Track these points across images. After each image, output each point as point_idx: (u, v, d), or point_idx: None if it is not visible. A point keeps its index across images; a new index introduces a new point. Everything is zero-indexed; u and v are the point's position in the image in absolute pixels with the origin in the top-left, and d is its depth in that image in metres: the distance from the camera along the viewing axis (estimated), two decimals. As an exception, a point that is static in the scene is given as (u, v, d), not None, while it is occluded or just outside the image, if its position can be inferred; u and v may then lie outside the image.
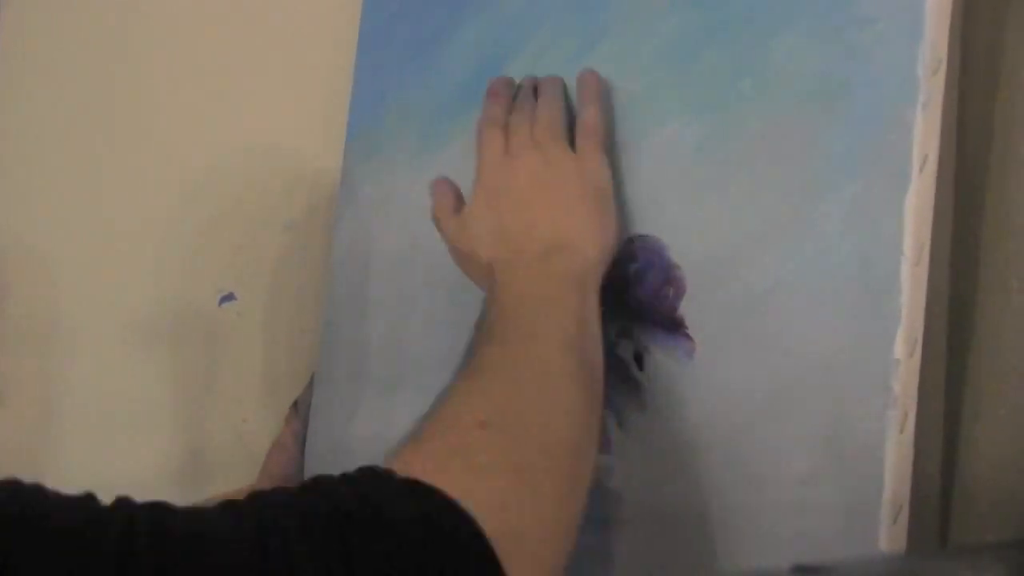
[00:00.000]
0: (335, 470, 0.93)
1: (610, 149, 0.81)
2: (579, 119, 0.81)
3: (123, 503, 0.54)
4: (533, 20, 0.89)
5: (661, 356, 0.76)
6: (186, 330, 1.13)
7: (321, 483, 0.59)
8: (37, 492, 0.53)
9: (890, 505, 0.64)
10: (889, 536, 0.63)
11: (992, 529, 0.77)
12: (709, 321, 0.73)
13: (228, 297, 1.12)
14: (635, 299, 0.78)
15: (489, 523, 0.56)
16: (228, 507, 0.56)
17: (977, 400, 0.79)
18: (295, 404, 1.05)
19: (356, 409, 0.97)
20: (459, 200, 0.84)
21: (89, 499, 0.53)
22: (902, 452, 0.64)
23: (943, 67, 0.67)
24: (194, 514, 0.55)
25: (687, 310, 0.75)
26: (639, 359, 0.77)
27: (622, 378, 0.78)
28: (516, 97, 0.85)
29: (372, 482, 0.58)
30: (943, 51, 0.67)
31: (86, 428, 1.12)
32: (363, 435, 0.96)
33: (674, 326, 0.75)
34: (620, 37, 0.82)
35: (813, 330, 0.68)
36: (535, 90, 0.85)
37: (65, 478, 1.04)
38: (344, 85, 1.05)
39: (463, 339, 0.81)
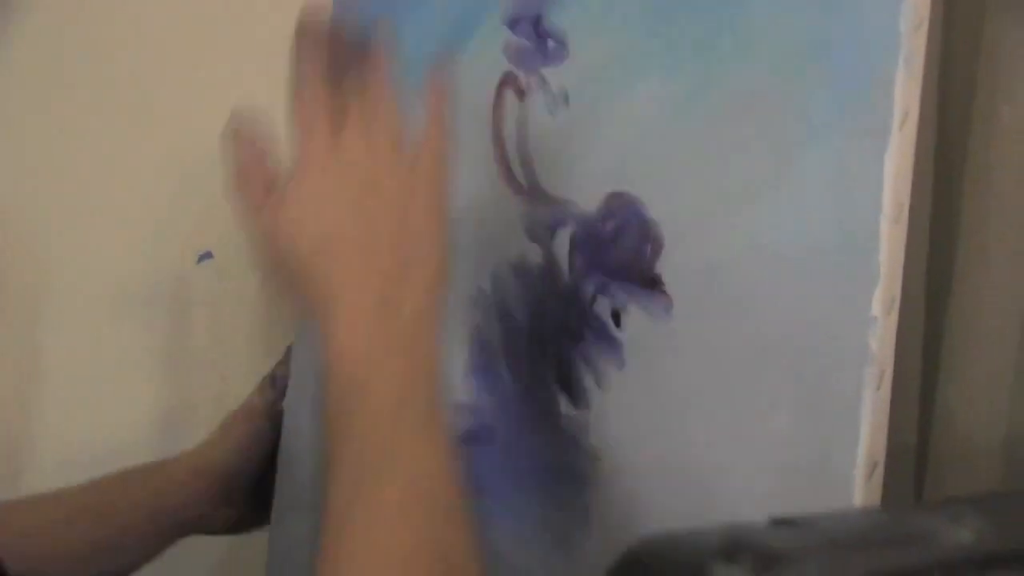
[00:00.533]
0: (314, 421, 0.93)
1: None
2: (424, 143, 0.71)
3: None
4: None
5: (639, 314, 0.76)
6: (164, 289, 1.12)
7: None
8: None
9: (865, 461, 0.64)
10: (864, 493, 0.63)
11: (965, 489, 0.77)
12: (687, 278, 0.73)
13: (206, 255, 1.12)
14: (613, 256, 0.77)
15: None
16: None
17: (953, 361, 0.80)
18: (272, 376, 1.02)
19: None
20: (270, 171, 0.70)
21: None
22: (878, 409, 0.64)
23: (925, 24, 0.66)
24: None
25: (664, 267, 0.74)
26: (616, 317, 0.77)
27: (600, 336, 0.77)
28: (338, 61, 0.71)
29: None
30: (926, 9, 0.66)
31: (66, 388, 1.11)
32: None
33: (652, 283, 0.75)
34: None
35: (791, 288, 0.68)
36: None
37: (46, 438, 1.05)
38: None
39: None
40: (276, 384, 1.01)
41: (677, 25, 0.75)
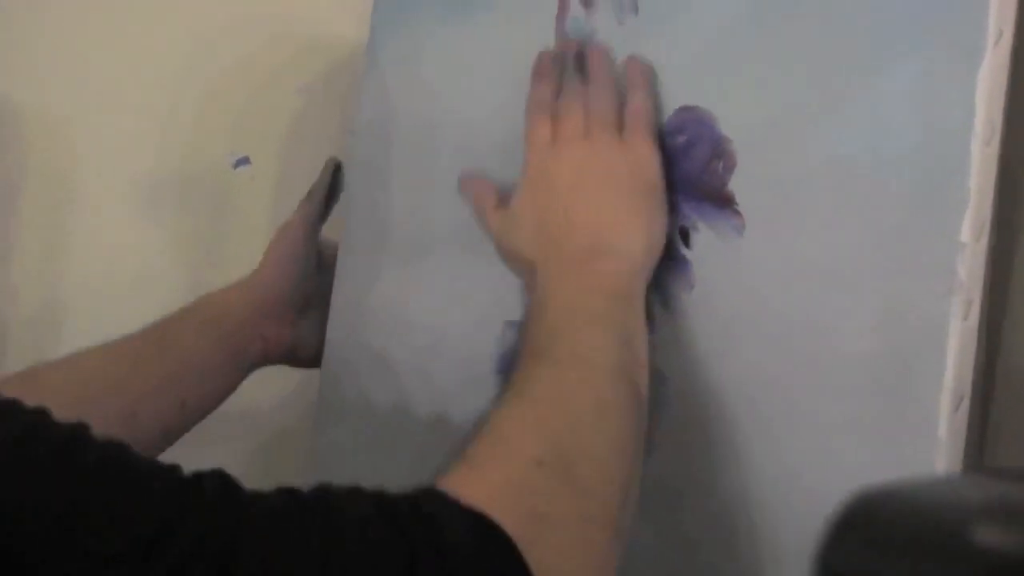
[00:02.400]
0: (356, 337, 0.92)
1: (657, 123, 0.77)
2: (628, 106, 0.77)
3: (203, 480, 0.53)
4: None
5: (709, 233, 0.73)
6: (199, 192, 1.11)
7: (390, 507, 0.56)
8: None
9: (951, 393, 0.62)
10: (949, 425, 0.62)
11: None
12: (761, 197, 0.71)
13: (243, 160, 1.10)
14: (682, 173, 0.75)
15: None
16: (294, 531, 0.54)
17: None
18: (309, 193, 1.03)
19: (377, 277, 0.95)
20: (496, 193, 0.81)
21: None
22: (965, 340, 0.62)
23: (1022, -60, 0.63)
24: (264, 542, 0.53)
25: (737, 185, 0.72)
26: (685, 235, 0.75)
27: (667, 255, 0.75)
28: (564, 73, 0.81)
29: (440, 518, 0.56)
30: (1022, -82, 0.63)
31: (96, 288, 1.11)
32: (383, 304, 0.95)
33: (723, 201, 0.72)
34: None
35: (873, 208, 0.65)
36: (582, 66, 0.80)
37: (73, 335, 1.04)
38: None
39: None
40: (312, 198, 1.02)
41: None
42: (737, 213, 0.72)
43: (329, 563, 0.52)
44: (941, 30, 0.63)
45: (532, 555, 0.55)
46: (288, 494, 0.55)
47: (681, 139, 0.75)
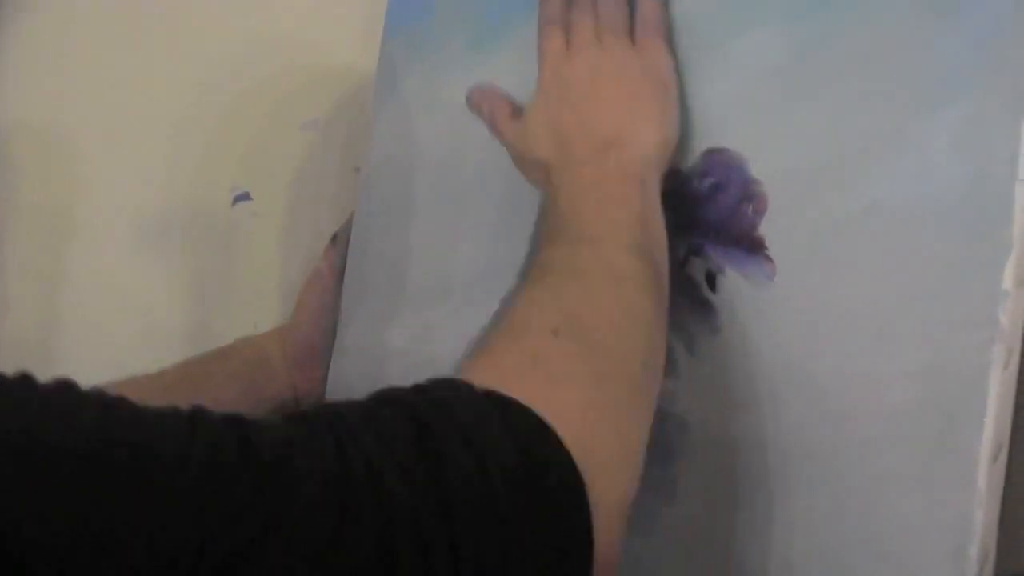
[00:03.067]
0: (364, 383, 0.90)
1: (671, 42, 0.77)
2: (639, 11, 0.78)
3: (201, 416, 0.50)
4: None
5: (737, 278, 0.72)
6: (198, 228, 1.08)
7: (395, 395, 0.55)
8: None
9: (990, 444, 0.60)
10: (988, 475, 0.60)
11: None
12: (793, 242, 0.69)
13: (243, 196, 1.08)
14: (709, 216, 0.73)
15: (568, 434, 0.53)
16: (302, 421, 0.52)
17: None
18: (334, 237, 1.02)
19: (391, 321, 0.93)
20: (511, 103, 0.81)
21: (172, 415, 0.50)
22: (1005, 389, 0.61)
23: (1066, -16, 0.62)
24: (272, 429, 0.51)
25: (768, 229, 0.70)
26: (711, 280, 0.73)
27: (692, 299, 0.74)
28: None
29: (448, 393, 0.55)
30: (1068, -32, 0.62)
31: (94, 324, 1.08)
32: (397, 347, 0.92)
33: (753, 246, 0.71)
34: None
35: (912, 255, 0.64)
36: None
37: (69, 367, 1.01)
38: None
39: (516, 250, 0.78)
40: (338, 245, 1.01)
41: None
42: (768, 259, 0.70)
43: (344, 451, 0.49)
44: (985, 76, 0.62)
45: (549, 413, 0.54)
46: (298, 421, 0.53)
47: (708, 182, 0.74)
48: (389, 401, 0.54)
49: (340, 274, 0.99)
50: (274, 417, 0.53)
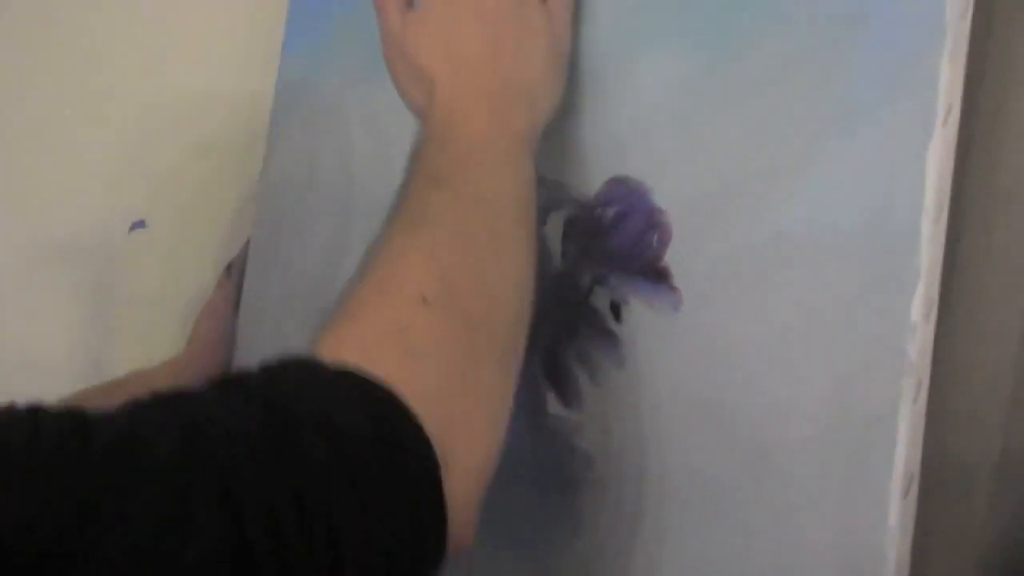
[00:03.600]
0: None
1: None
2: None
3: (40, 408, 0.49)
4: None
5: (642, 308, 0.70)
6: (92, 257, 1.05)
7: (244, 381, 0.53)
8: None
9: (901, 478, 0.60)
10: (900, 511, 0.59)
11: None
12: (699, 271, 0.68)
13: (138, 224, 1.05)
14: (613, 245, 0.72)
15: (426, 414, 0.53)
16: (149, 408, 0.50)
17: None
18: (228, 267, 1.00)
19: (292, 345, 0.90)
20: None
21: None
22: (915, 423, 0.60)
23: (969, 12, 0.62)
24: (116, 418, 0.49)
25: (673, 259, 0.69)
26: (616, 310, 0.72)
27: (596, 330, 0.72)
28: None
29: (301, 376, 0.53)
30: (970, -4, 0.62)
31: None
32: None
33: (658, 276, 0.70)
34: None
35: (819, 285, 0.63)
36: None
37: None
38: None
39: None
40: (233, 275, 0.99)
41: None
42: (673, 288, 0.69)
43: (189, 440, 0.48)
44: (890, 106, 0.62)
45: (409, 391, 0.53)
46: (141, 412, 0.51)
47: (611, 210, 0.72)
48: (240, 386, 0.53)
49: (235, 304, 0.98)
50: (121, 406, 0.51)
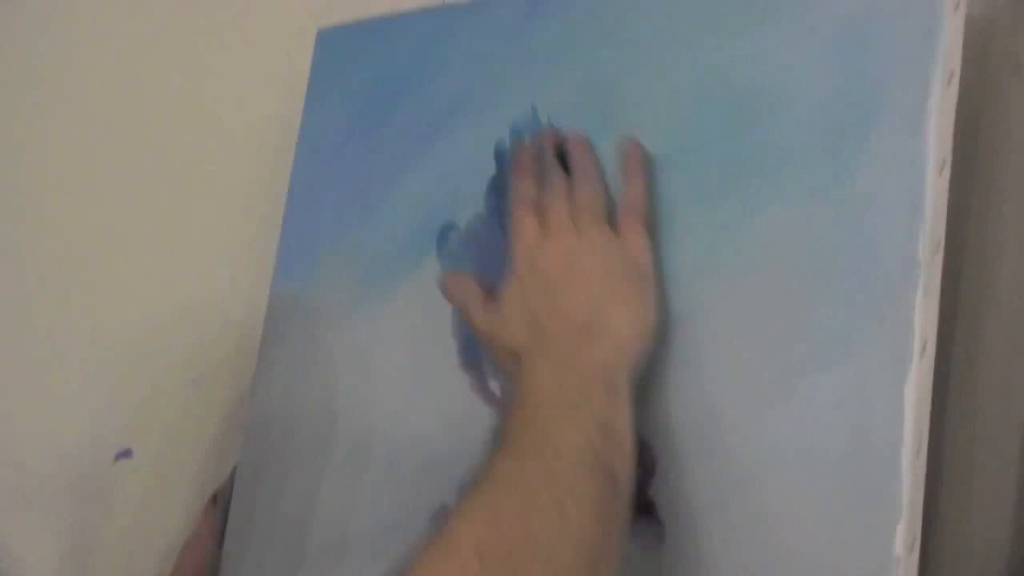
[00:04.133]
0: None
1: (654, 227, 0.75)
2: (625, 195, 0.76)
3: None
4: (478, 174, 0.85)
5: (628, 542, 0.70)
6: (77, 486, 1.05)
7: None
8: None
9: None
10: None
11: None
12: (682, 504, 0.69)
13: (124, 453, 1.05)
14: (597, 478, 0.72)
15: None
16: None
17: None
18: (214, 497, 0.98)
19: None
20: (483, 287, 0.78)
21: None
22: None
23: (941, 249, 0.64)
24: None
25: (657, 491, 0.70)
26: (600, 543, 0.71)
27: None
28: (542, 166, 0.79)
29: None
30: (941, 233, 0.64)
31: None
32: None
33: (642, 508, 0.70)
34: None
35: (801, 518, 0.64)
36: (562, 157, 0.79)
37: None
38: (266, 234, 0.99)
39: (399, 510, 0.76)
40: (218, 504, 0.97)
41: (678, 231, 0.73)
42: (658, 521, 0.69)
43: None
44: (868, 340, 0.63)
45: None
46: None
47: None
48: None
49: (220, 535, 0.96)
50: None
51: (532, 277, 0.74)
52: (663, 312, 0.72)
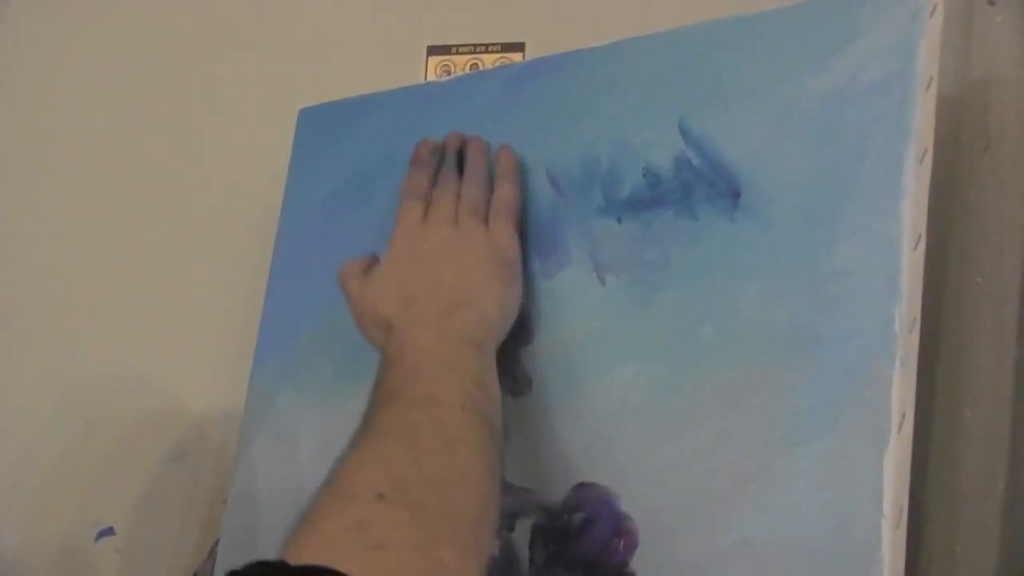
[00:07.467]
0: None
1: (525, 230, 0.83)
2: (495, 195, 0.83)
3: None
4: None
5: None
6: (58, 566, 1.04)
7: None
8: None
9: None
10: None
11: None
12: (663, 578, 0.69)
13: (106, 531, 1.04)
14: (581, 551, 0.73)
15: None
16: None
17: None
18: (194, 575, 0.99)
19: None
20: (369, 266, 0.83)
21: None
22: None
23: (917, 323, 0.65)
24: None
25: (639, 566, 0.70)
26: (583, 617, 0.72)
27: (565, 638, 0.72)
28: (441, 162, 0.86)
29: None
30: (918, 308, 0.65)
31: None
32: None
33: (622, 581, 0.70)
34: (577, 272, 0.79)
35: (783, 594, 0.64)
36: (460, 155, 0.86)
37: None
38: (250, 314, 1.00)
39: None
40: None
41: (655, 311, 0.73)
42: (639, 594, 0.69)
43: None
44: (847, 416, 0.64)
45: None
46: None
47: (579, 516, 0.73)
48: None
49: None
50: None
51: (408, 256, 0.81)
52: (521, 296, 0.80)
